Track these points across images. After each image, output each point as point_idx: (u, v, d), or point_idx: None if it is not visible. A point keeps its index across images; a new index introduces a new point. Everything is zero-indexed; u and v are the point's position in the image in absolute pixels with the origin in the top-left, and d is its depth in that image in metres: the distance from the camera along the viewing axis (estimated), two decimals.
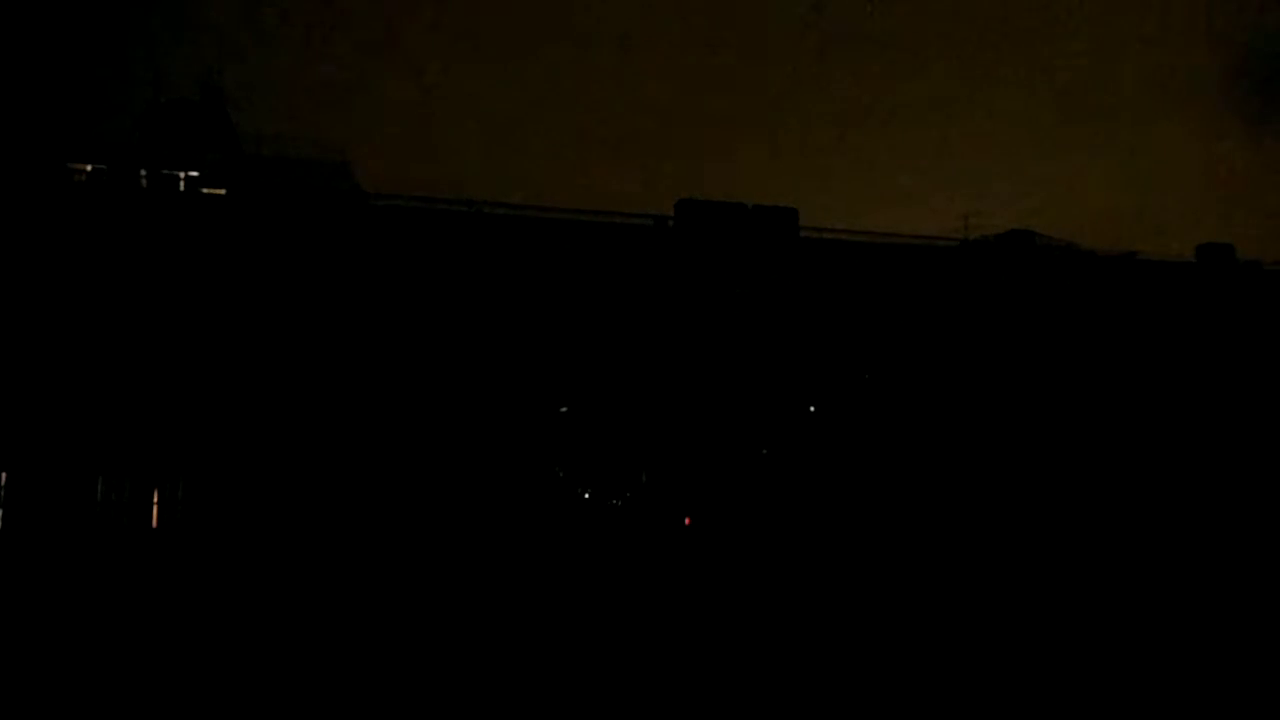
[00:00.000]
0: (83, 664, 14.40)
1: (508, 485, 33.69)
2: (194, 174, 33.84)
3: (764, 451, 36.78)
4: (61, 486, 29.99)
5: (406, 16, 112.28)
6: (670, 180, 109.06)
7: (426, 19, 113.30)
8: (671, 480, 35.66)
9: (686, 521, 35.44)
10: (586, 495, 35.44)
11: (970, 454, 38.09)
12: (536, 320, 34.82)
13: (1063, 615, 18.91)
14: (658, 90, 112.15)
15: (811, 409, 37.65)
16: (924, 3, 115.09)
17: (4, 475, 29.99)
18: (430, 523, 31.70)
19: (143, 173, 33.55)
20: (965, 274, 40.56)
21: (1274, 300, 44.25)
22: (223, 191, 33.83)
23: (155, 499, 31.26)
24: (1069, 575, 25.77)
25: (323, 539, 29.83)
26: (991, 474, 37.90)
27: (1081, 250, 43.35)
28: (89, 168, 33.07)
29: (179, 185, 33.74)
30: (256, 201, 33.63)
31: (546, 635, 16.98)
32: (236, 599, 21.54)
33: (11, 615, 19.36)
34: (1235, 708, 12.06)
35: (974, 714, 11.85)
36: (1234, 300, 43.76)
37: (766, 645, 15.99)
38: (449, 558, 28.79)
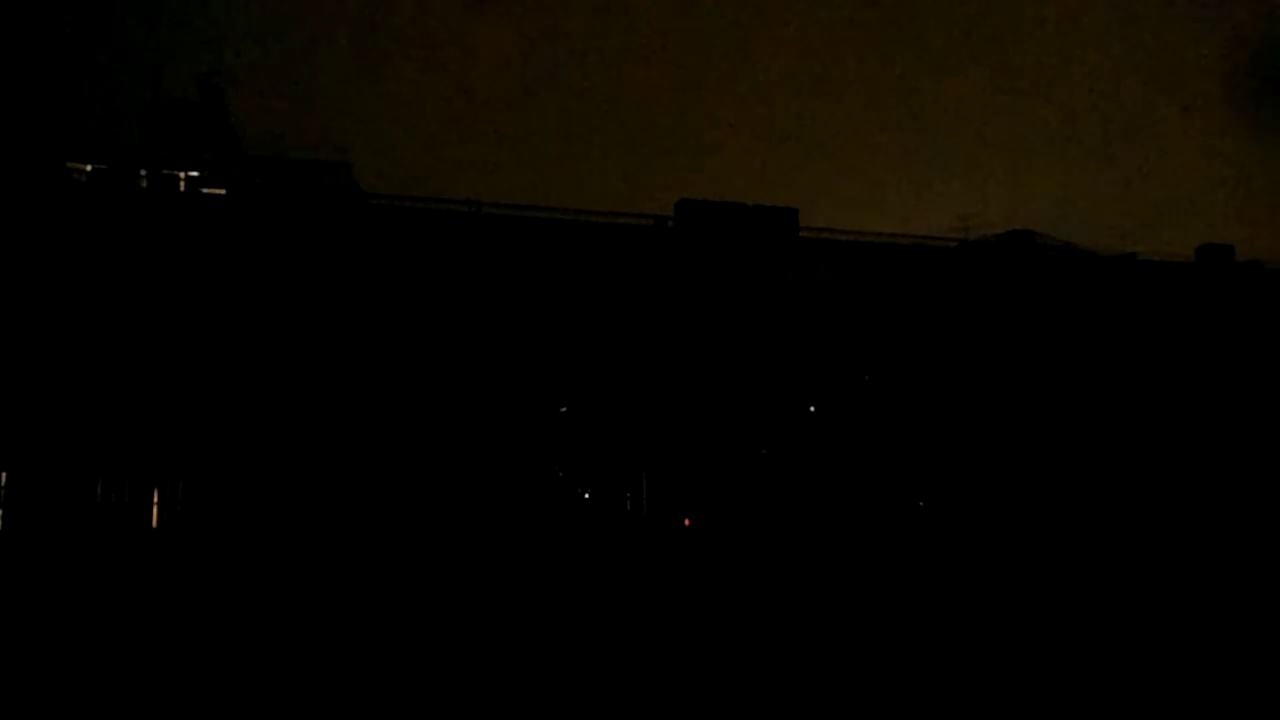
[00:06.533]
0: (83, 664, 14.41)
1: (508, 485, 33.70)
2: (194, 174, 33.86)
3: (764, 451, 36.79)
4: (61, 486, 29.99)
5: (406, 16, 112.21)
6: (670, 180, 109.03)
7: (426, 19, 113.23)
8: (671, 481, 35.66)
9: (686, 523, 35.45)
10: (586, 495, 35.44)
11: (970, 454, 38.10)
12: (536, 320, 34.82)
13: (1063, 616, 18.91)
14: (657, 90, 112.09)
15: (811, 409, 37.66)
16: (925, 4, 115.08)
17: (4, 475, 29.99)
18: (430, 523, 31.72)
19: (143, 173, 33.57)
20: (965, 274, 40.57)
21: (1274, 300, 44.26)
22: (223, 191, 33.85)
23: (155, 499, 31.26)
24: (1069, 575, 25.77)
25: (323, 539, 29.84)
26: (991, 474, 37.92)
27: (1081, 250, 43.37)
28: (89, 168, 33.07)
29: (179, 185, 33.75)
30: (256, 201, 33.65)
31: (546, 636, 16.99)
32: (237, 599, 21.54)
33: (12, 615, 19.36)
34: (1235, 708, 12.07)
35: (974, 714, 11.86)
36: (1234, 300, 43.76)
37: (767, 646, 15.99)
38: (449, 558, 28.79)
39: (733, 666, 14.37)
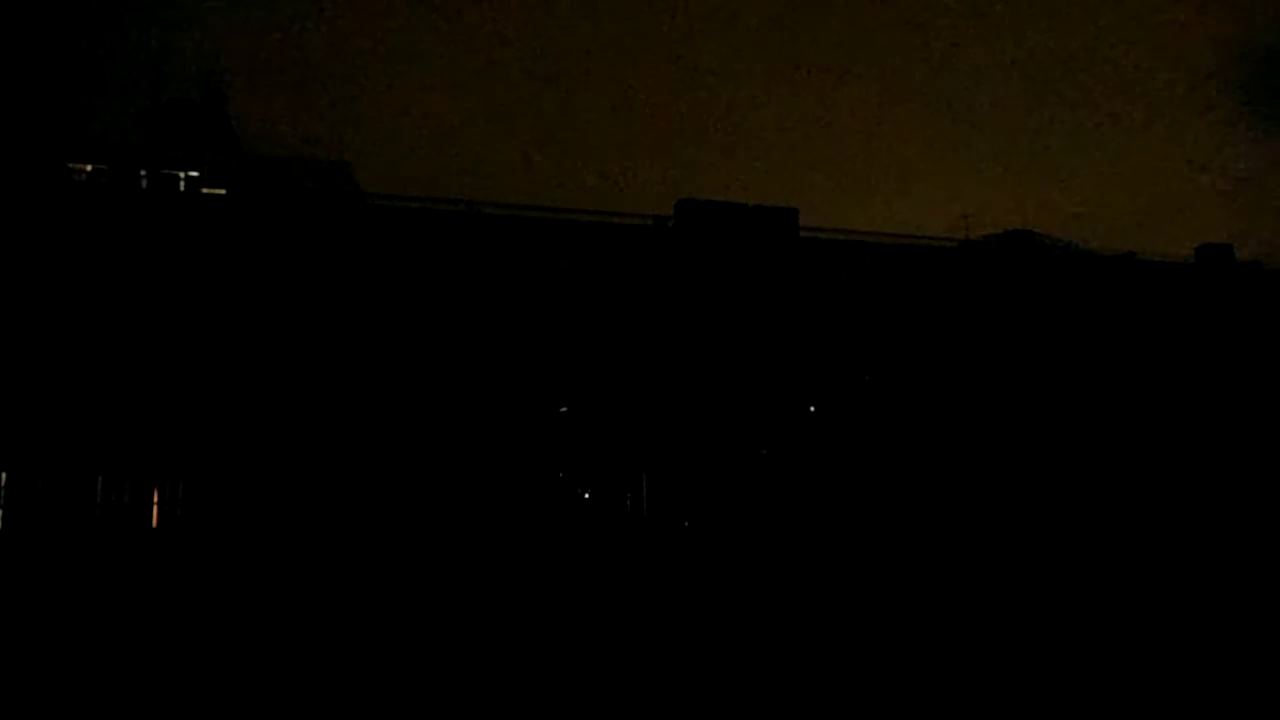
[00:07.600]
0: (83, 664, 14.41)
1: (508, 485, 33.69)
2: (194, 174, 33.85)
3: (764, 451, 36.78)
4: (61, 486, 29.99)
5: (406, 17, 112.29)
6: (670, 180, 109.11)
7: (426, 19, 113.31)
8: (671, 481, 35.65)
9: (686, 523, 35.42)
10: (586, 495, 35.44)
11: (970, 454, 38.09)
12: (536, 320, 34.81)
13: (1063, 616, 18.92)
14: (657, 90, 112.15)
15: (811, 409, 37.65)
16: (926, 4, 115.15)
17: (4, 475, 30.00)
18: (430, 523, 31.71)
19: (143, 173, 33.56)
20: (965, 274, 40.56)
21: (1274, 300, 44.25)
22: (223, 191, 33.84)
23: (155, 499, 31.26)
24: (1069, 576, 25.77)
25: (323, 540, 29.84)
26: (992, 474, 37.90)
27: (1081, 250, 43.37)
28: (89, 168, 33.07)
29: (179, 185, 33.74)
30: (256, 201, 33.64)
31: (545, 636, 16.99)
32: (237, 599, 21.55)
33: (12, 615, 19.36)
34: (1236, 708, 12.07)
35: (974, 714, 11.86)
36: (1234, 300, 43.76)
37: (766, 646, 16.00)
38: (449, 558, 28.79)
39: (733, 667, 14.37)
